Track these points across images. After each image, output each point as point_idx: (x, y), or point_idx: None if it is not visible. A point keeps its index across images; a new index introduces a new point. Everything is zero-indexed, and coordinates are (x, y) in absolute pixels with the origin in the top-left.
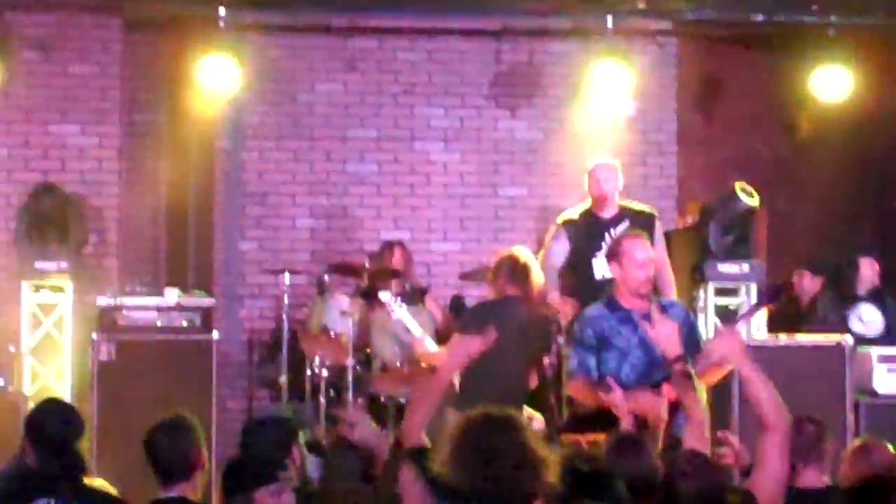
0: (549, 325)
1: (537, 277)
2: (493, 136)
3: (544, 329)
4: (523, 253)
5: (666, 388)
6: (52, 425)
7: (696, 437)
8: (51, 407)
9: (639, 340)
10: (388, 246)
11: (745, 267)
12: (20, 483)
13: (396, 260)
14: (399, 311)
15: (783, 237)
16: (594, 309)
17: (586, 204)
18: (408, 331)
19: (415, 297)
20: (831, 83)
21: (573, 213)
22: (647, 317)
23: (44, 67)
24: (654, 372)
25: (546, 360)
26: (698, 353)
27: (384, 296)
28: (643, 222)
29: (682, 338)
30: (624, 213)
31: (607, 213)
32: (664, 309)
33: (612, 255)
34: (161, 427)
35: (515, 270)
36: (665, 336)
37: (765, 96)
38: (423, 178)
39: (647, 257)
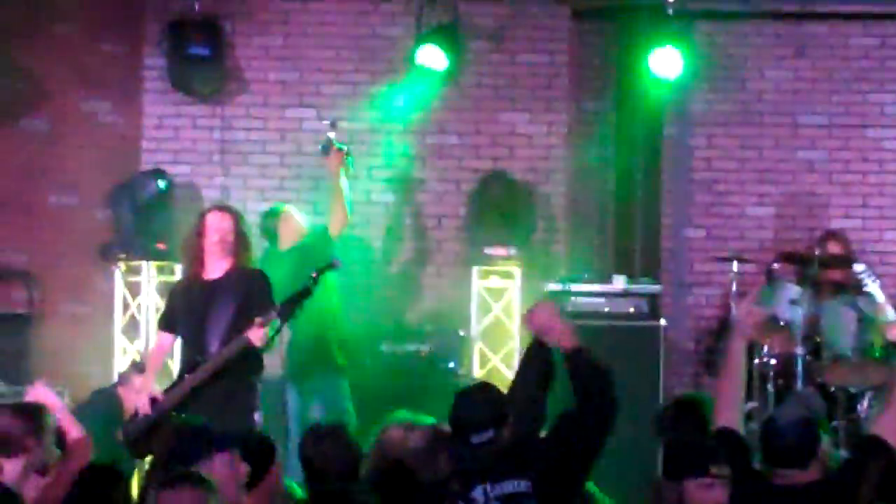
0: None
1: None
2: None
3: None
4: None
5: None
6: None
7: None
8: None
9: None
10: (824, 237)
11: None
12: None
13: (836, 248)
14: (872, 286)
15: None
16: None
17: None
18: (875, 309)
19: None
20: None
21: None
22: None
23: (493, 56)
24: None
25: None
26: None
27: (858, 267)
28: None
29: None
30: None
31: None
32: None
33: None
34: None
35: None
36: None
37: None
38: (875, 165)
39: None
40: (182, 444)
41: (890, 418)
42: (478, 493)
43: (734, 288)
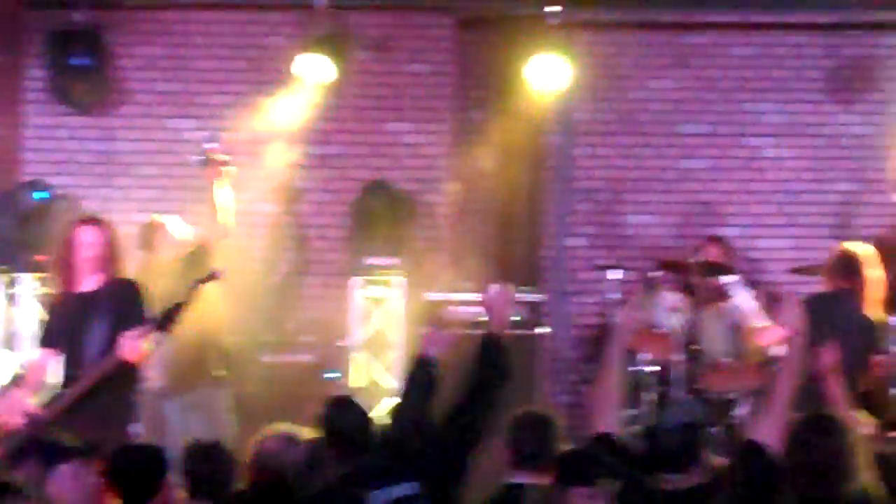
0: (875, 324)
1: (872, 273)
2: (826, 131)
3: (869, 327)
4: (858, 248)
5: None
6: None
7: None
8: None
9: None
10: (708, 241)
11: None
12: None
13: (716, 255)
14: (740, 296)
15: None
16: None
17: None
18: (744, 317)
19: None
20: None
21: None
22: None
23: (377, 66)
24: None
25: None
26: None
27: (727, 278)
28: None
29: None
30: None
31: None
32: None
33: None
34: (527, 418)
35: (844, 265)
36: None
37: None
38: (755, 173)
39: None
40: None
41: (767, 423)
42: (369, 502)
43: (614, 296)
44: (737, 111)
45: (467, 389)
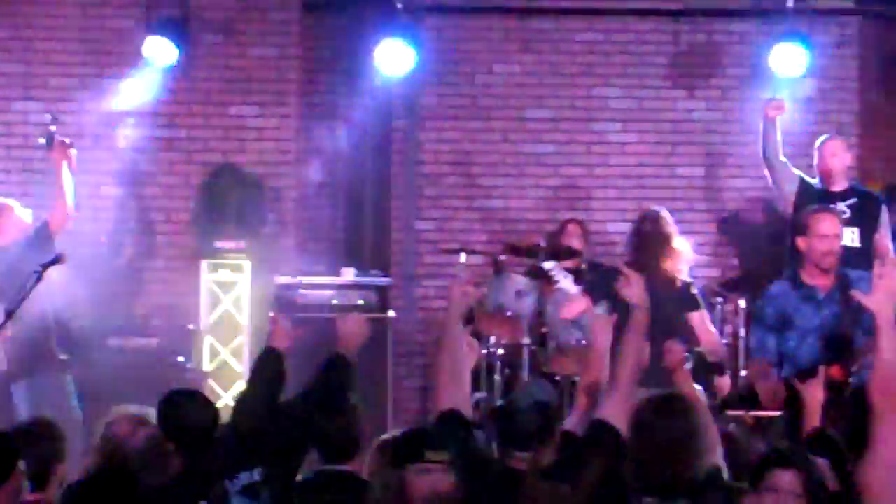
0: (678, 291)
1: (667, 242)
2: (670, 116)
3: (670, 295)
4: (650, 217)
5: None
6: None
7: None
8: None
9: (820, 322)
10: (564, 224)
11: None
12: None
13: (572, 237)
14: (564, 282)
15: None
16: (776, 287)
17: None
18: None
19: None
20: None
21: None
22: (831, 296)
23: (224, 49)
24: (831, 354)
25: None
26: None
27: (548, 264)
28: (870, 202)
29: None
30: (852, 191)
31: (837, 187)
32: (851, 282)
33: (798, 228)
34: (327, 408)
35: (640, 236)
36: None
37: None
38: (600, 158)
39: (833, 231)
40: None
41: (612, 403)
42: (219, 490)
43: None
44: (582, 96)
45: (310, 390)
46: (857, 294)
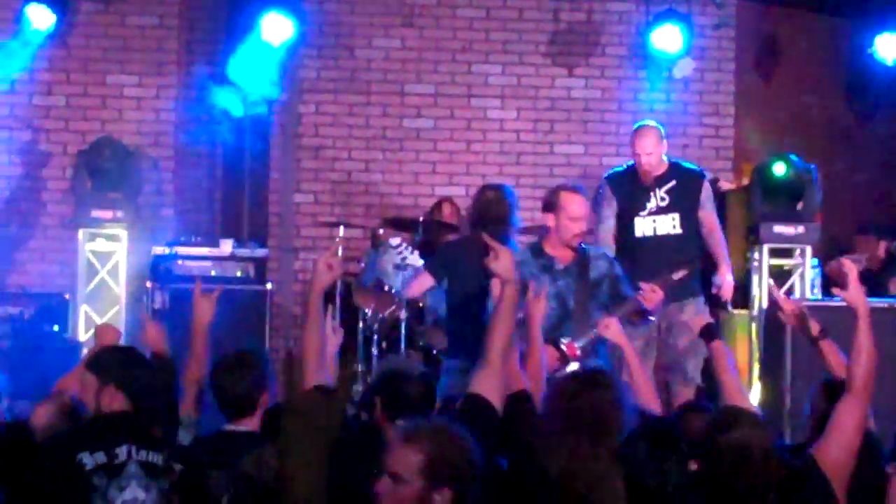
0: None
1: (499, 213)
2: (550, 94)
3: None
4: (487, 191)
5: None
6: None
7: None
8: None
9: (555, 292)
10: (438, 202)
11: (801, 228)
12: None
13: (447, 215)
14: (411, 258)
15: (839, 200)
16: (517, 254)
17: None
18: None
19: None
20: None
21: (620, 169)
22: (568, 268)
23: (103, 17)
24: (565, 325)
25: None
26: (622, 304)
27: (394, 241)
28: (691, 182)
29: (604, 290)
30: (672, 172)
31: (652, 176)
32: (590, 257)
33: (549, 206)
34: (227, 364)
35: (477, 209)
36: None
37: (825, 59)
38: (479, 134)
39: (582, 213)
40: None
41: (485, 375)
42: (122, 451)
43: (340, 253)
44: (463, 72)
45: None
46: (836, 291)
